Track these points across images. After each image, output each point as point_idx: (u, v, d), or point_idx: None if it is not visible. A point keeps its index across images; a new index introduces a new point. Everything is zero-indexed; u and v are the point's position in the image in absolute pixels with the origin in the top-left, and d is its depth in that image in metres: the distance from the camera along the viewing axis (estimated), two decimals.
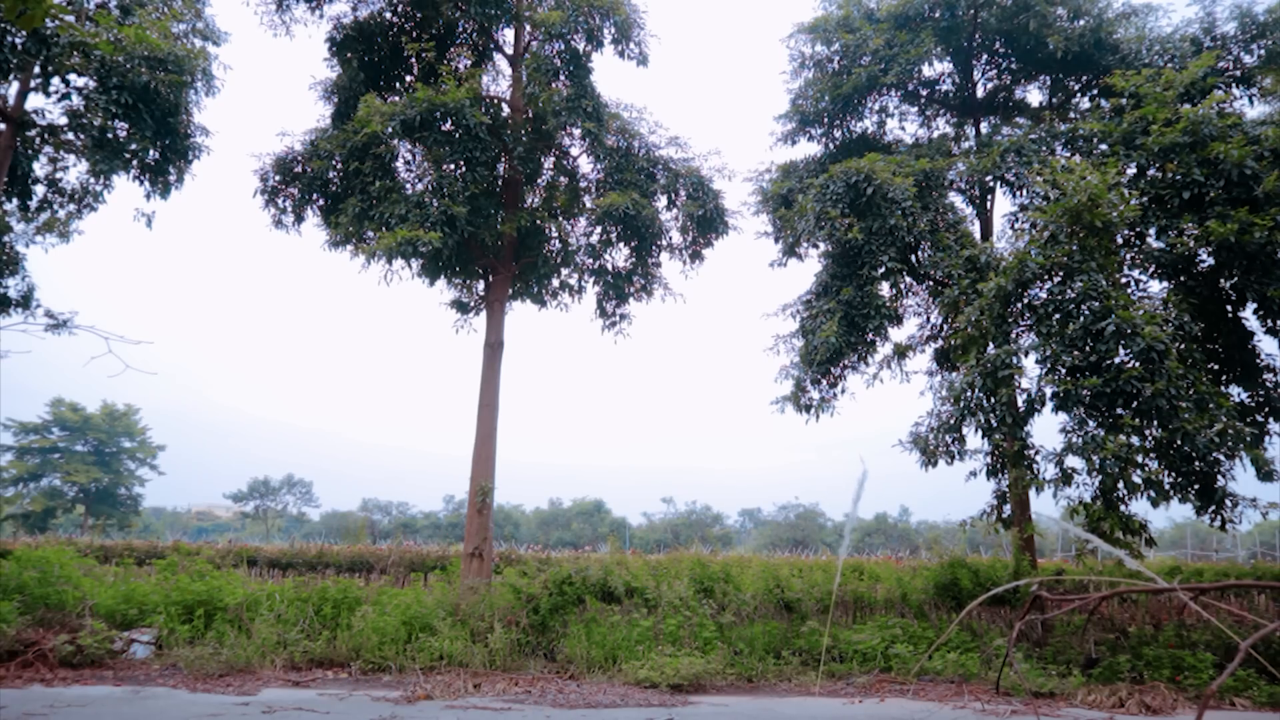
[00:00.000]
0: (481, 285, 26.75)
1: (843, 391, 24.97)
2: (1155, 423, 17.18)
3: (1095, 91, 25.75)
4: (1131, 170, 19.97)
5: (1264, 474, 18.17)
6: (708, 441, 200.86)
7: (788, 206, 25.64)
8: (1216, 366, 20.31)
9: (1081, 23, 24.61)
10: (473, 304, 27.38)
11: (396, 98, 24.79)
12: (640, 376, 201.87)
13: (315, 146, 24.70)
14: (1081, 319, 17.62)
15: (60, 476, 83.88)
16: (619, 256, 26.51)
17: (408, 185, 23.76)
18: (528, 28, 25.94)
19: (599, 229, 25.59)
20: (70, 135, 23.80)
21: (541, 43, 24.63)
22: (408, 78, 26.15)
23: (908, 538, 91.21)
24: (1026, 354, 19.06)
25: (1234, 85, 22.97)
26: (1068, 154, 22.15)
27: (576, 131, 25.01)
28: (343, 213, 23.26)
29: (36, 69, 22.90)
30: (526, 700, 12.23)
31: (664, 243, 26.20)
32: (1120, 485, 17.35)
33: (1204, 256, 19.38)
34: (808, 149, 28.14)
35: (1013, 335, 19.28)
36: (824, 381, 24.53)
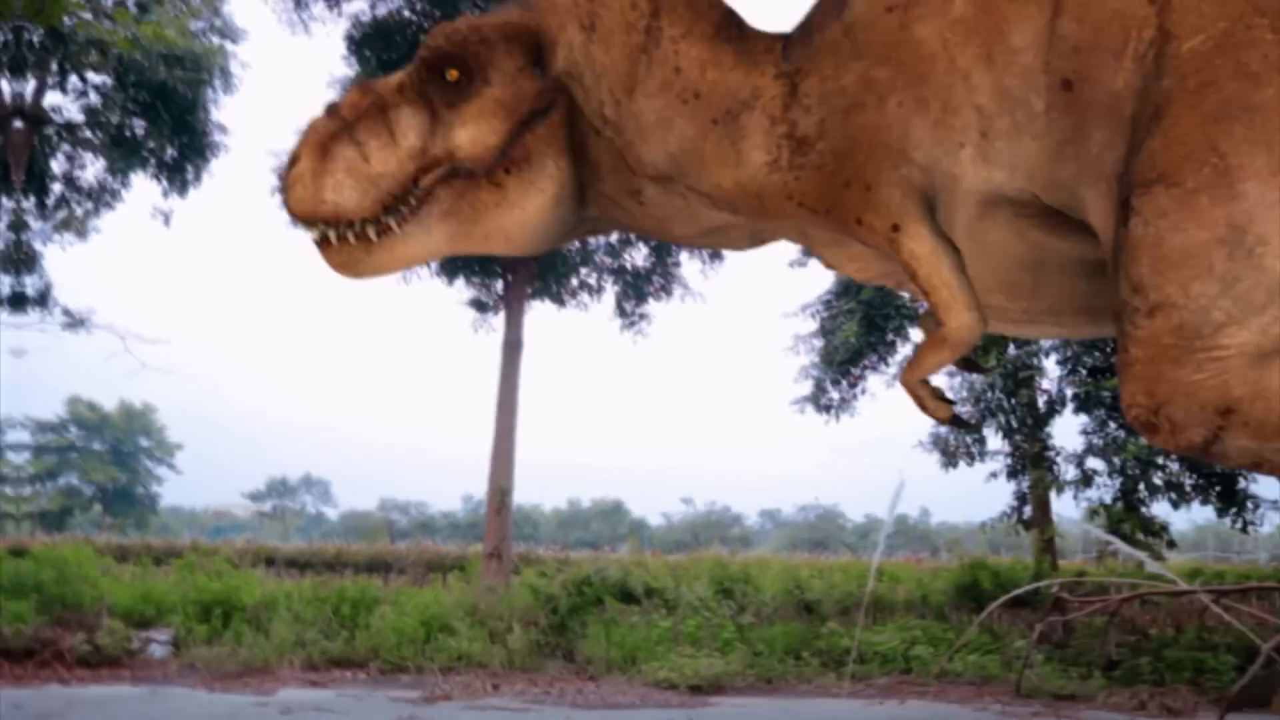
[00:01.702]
0: (500, 284, 26.65)
1: (863, 392, 24.89)
2: None
3: None
4: None
5: None
6: (727, 441, 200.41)
7: None
8: None
9: None
10: (491, 303, 27.29)
11: None
12: (660, 376, 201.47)
13: None
14: None
15: (78, 475, 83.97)
16: (638, 256, 26.44)
17: None
18: None
19: None
20: (88, 133, 23.84)
21: None
22: None
23: (928, 539, 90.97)
24: (1047, 354, 18.99)
25: None
26: None
27: None
28: None
29: (54, 66, 22.93)
30: (545, 701, 12.21)
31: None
32: (1141, 487, 17.30)
33: None
34: None
35: None
36: (844, 382, 24.44)
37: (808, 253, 25.11)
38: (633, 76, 6.84)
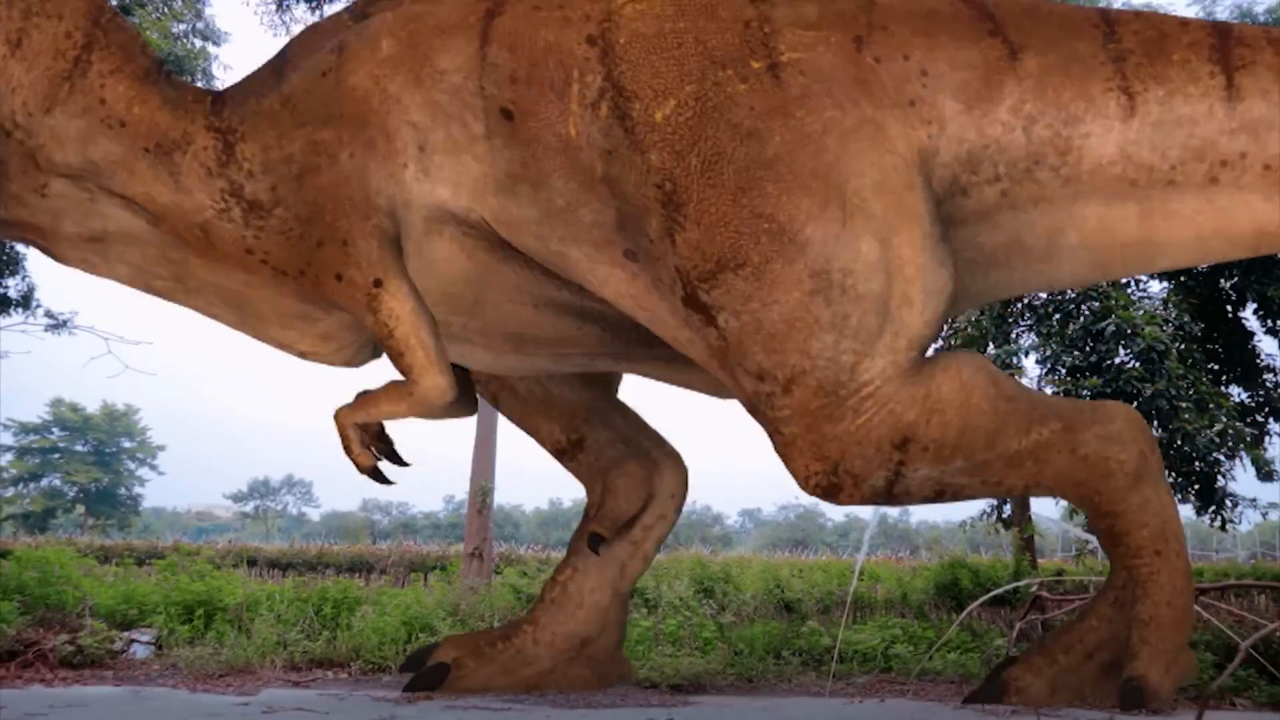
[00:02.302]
0: None
1: None
2: (1155, 423, 17.16)
3: None
4: None
5: (1264, 474, 18.18)
6: (708, 441, 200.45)
7: None
8: (1216, 367, 20.28)
9: None
10: None
11: None
12: (639, 376, 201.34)
13: None
14: (1082, 319, 17.62)
15: (60, 476, 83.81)
16: None
17: None
18: None
19: None
20: None
21: None
22: None
23: (908, 538, 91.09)
24: (1026, 354, 19.07)
25: None
26: None
27: None
28: None
29: None
30: (526, 700, 12.23)
31: None
32: None
33: None
34: None
35: (1013, 335, 19.28)
36: None
37: None
38: (51, 98, 7.26)
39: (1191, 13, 25.45)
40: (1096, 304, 17.50)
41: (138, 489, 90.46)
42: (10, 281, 25.79)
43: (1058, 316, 18.17)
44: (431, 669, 10.10)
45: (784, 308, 6.10)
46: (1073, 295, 17.99)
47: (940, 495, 6.67)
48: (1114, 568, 7.43)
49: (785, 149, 6.19)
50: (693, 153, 6.24)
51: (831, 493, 6.52)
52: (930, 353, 6.64)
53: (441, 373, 6.99)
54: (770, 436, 6.55)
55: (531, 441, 10.12)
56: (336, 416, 7.72)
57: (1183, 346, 17.84)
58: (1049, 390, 18.14)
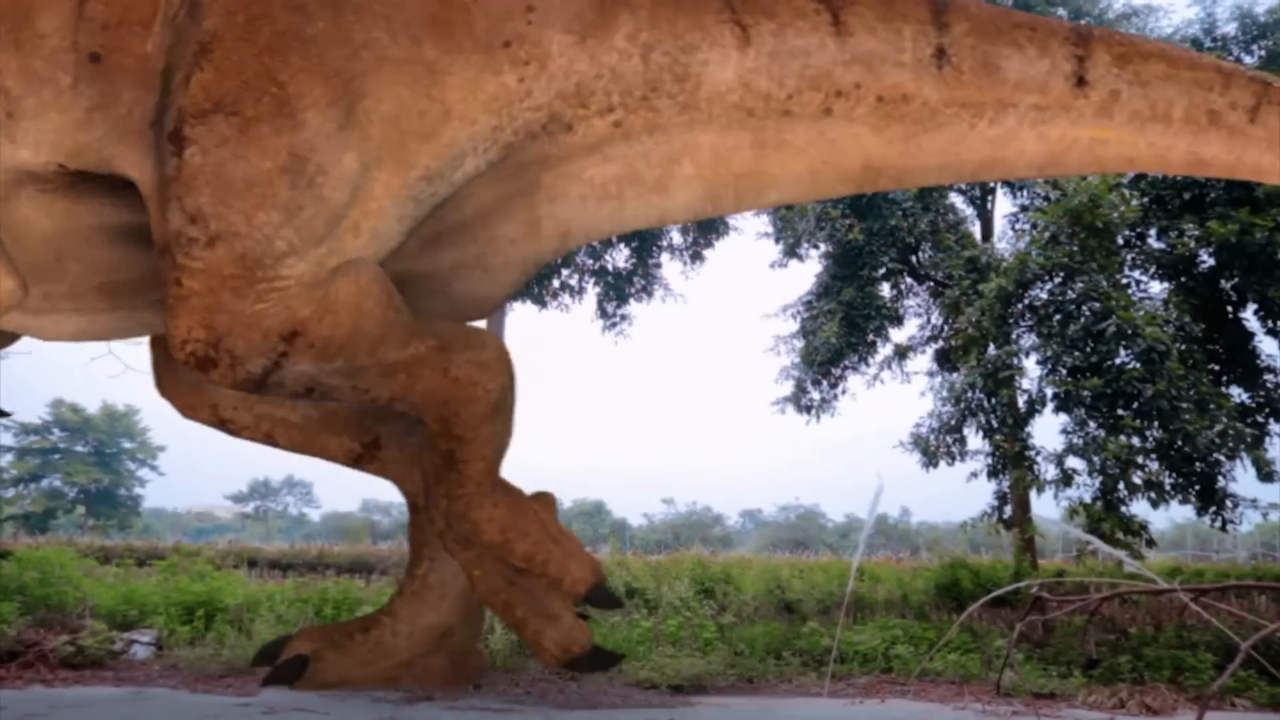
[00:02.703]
0: None
1: (843, 392, 24.94)
2: (1156, 423, 17.17)
3: None
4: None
5: (1264, 475, 18.16)
6: (708, 442, 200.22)
7: (788, 207, 25.57)
8: (1217, 367, 20.25)
9: (1082, 23, 24.50)
10: None
11: None
12: (641, 377, 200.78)
13: None
14: (1082, 320, 17.59)
15: (61, 477, 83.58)
16: (619, 257, 26.41)
17: None
18: None
19: None
20: None
21: None
22: None
23: (908, 538, 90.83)
24: (1027, 354, 19.06)
25: None
26: None
27: None
28: None
29: None
30: (527, 701, 12.21)
31: (664, 243, 26.12)
32: (1121, 486, 17.35)
33: (1204, 257, 19.35)
34: None
35: (1013, 336, 19.25)
36: (824, 382, 24.49)
37: (787, 254, 25.20)
38: None
39: (1192, 13, 25.53)
40: (1097, 305, 17.47)
41: (138, 489, 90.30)
42: None
43: (1058, 317, 18.16)
44: (289, 661, 10.19)
45: (250, 168, 6.31)
46: (1073, 296, 17.99)
47: (310, 392, 6.98)
48: (429, 501, 7.90)
49: (325, 37, 6.46)
50: (243, 11, 6.51)
51: (205, 365, 6.62)
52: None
53: (7, 275, 7.10)
54: (168, 287, 6.62)
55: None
56: None
57: (1183, 347, 17.82)
58: (1049, 390, 18.16)
